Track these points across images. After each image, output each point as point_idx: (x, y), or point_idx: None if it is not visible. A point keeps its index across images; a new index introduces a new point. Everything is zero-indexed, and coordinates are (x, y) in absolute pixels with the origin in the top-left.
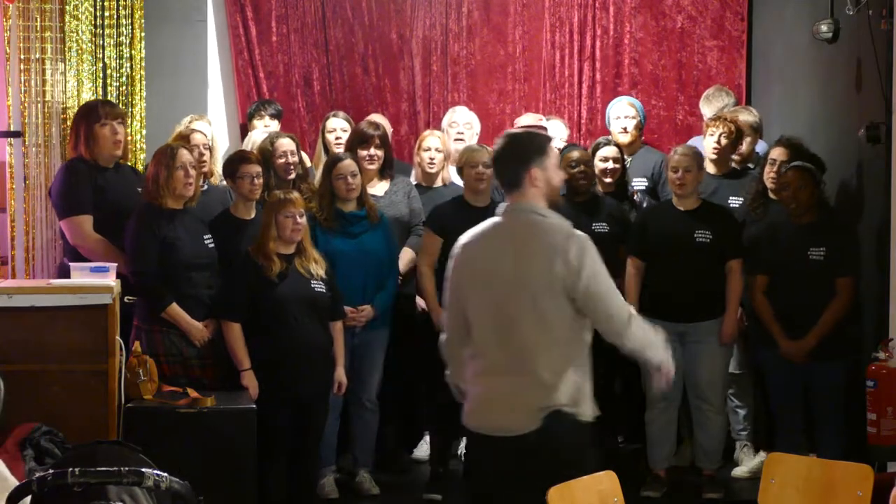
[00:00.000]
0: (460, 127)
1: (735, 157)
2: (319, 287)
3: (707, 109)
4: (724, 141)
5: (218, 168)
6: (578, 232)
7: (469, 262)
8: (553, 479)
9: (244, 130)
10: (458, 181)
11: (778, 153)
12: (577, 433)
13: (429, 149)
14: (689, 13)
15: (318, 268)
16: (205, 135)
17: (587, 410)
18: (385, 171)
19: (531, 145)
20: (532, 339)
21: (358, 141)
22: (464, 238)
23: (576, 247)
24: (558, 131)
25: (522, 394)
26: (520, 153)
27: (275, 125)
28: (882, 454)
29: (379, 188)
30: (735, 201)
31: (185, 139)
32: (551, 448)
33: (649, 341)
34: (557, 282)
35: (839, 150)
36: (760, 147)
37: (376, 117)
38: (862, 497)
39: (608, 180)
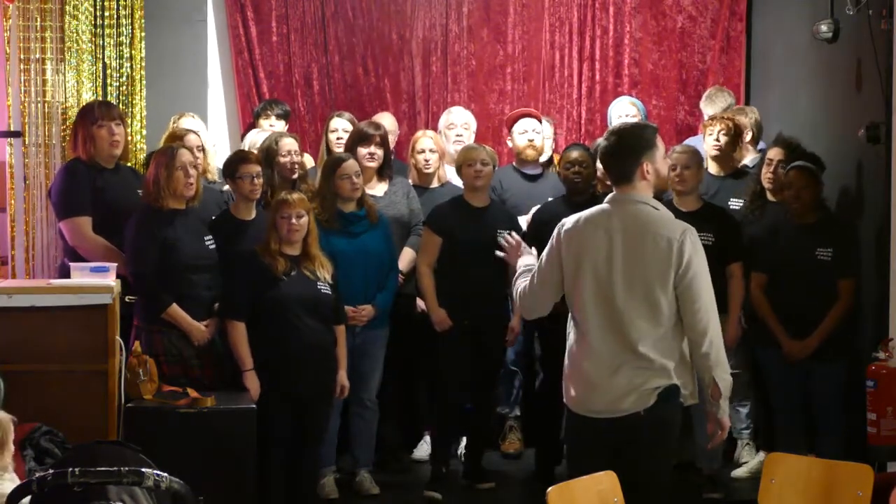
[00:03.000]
0: (458, 128)
1: (736, 156)
2: (325, 289)
3: (709, 109)
4: (723, 139)
5: (211, 166)
6: (689, 226)
7: (577, 247)
8: (653, 459)
9: (246, 130)
10: (456, 181)
11: (775, 153)
12: (677, 414)
13: (423, 150)
14: (689, 13)
15: (324, 271)
16: (198, 135)
17: (689, 396)
18: (384, 171)
19: (642, 140)
20: (642, 327)
21: (358, 140)
22: (568, 223)
23: (689, 240)
24: (545, 130)
25: (630, 377)
26: (631, 147)
27: (280, 126)
28: (882, 454)
29: (378, 189)
30: (735, 203)
31: (178, 140)
32: (658, 427)
33: (723, 360)
34: (668, 272)
35: (839, 150)
36: (760, 147)
37: (385, 116)
38: (862, 497)
39: (608, 182)
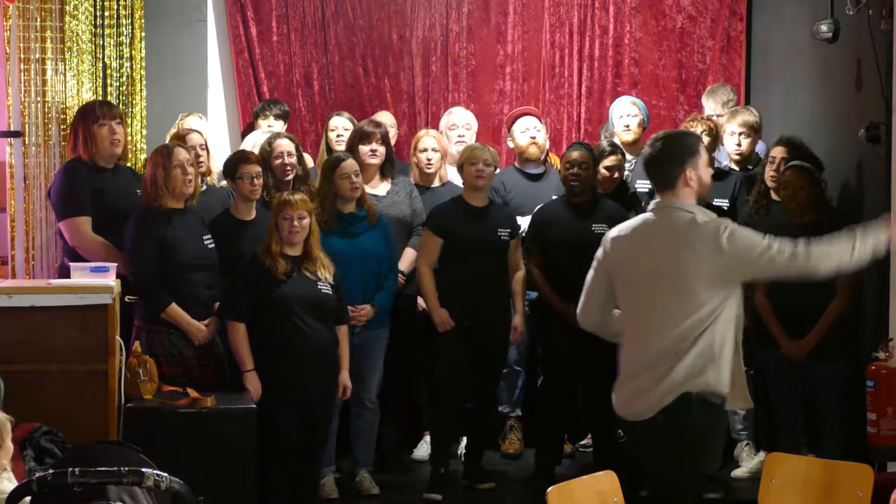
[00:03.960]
0: (460, 129)
1: (736, 156)
2: (326, 289)
3: (711, 103)
4: (707, 140)
5: (215, 167)
6: (725, 220)
7: (623, 257)
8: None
9: (247, 131)
10: (457, 180)
11: (778, 152)
12: (721, 417)
13: (425, 149)
14: (689, 13)
15: (325, 272)
16: (201, 134)
17: (730, 399)
18: (386, 170)
19: (686, 147)
20: (687, 332)
21: (359, 138)
22: (613, 232)
23: (725, 234)
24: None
25: (655, 382)
26: (675, 155)
27: (279, 125)
28: (882, 454)
29: (381, 188)
30: (720, 202)
31: (181, 139)
32: (676, 433)
33: (826, 254)
34: (716, 273)
35: (839, 150)
36: (760, 147)
37: (384, 115)
38: (862, 497)
39: (608, 186)
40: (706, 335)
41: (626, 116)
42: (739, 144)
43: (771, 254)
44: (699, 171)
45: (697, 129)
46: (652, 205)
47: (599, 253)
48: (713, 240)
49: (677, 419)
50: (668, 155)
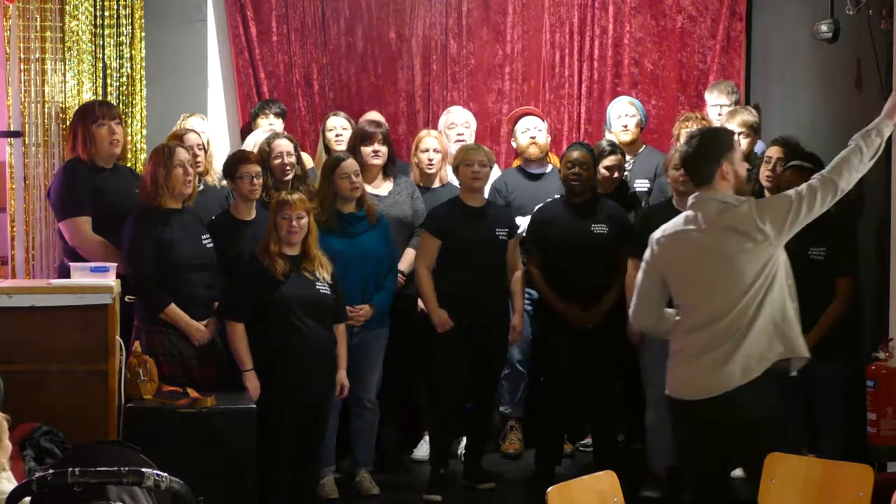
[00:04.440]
0: (459, 127)
1: None
2: (324, 289)
3: (714, 94)
4: None
5: (214, 167)
6: (752, 199)
7: (673, 256)
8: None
9: (245, 131)
10: (456, 181)
11: (774, 152)
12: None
13: (427, 149)
14: (689, 13)
15: (323, 271)
16: (199, 134)
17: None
18: (388, 169)
19: (722, 143)
20: (742, 311)
21: (360, 139)
22: (658, 233)
23: (757, 214)
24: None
25: (745, 356)
26: (711, 151)
27: (279, 124)
28: (882, 454)
29: (383, 188)
30: None
31: (179, 139)
32: (761, 404)
33: (845, 162)
34: (759, 249)
35: (839, 150)
36: (759, 147)
37: (373, 115)
38: (862, 497)
39: (608, 186)
40: (765, 307)
41: (623, 117)
42: (739, 144)
43: (803, 203)
44: (735, 166)
45: (692, 127)
46: (691, 199)
47: (647, 255)
48: (749, 221)
49: (753, 393)
50: (705, 151)
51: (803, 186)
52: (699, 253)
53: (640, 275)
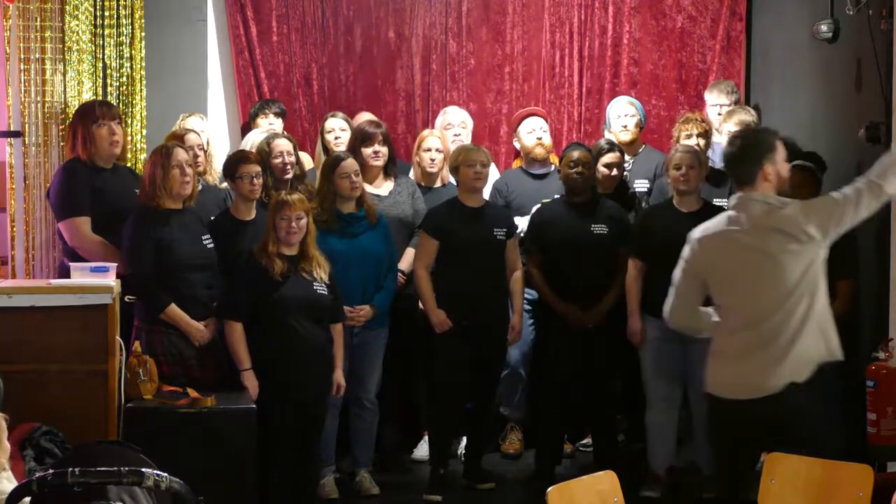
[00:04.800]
0: (456, 128)
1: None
2: (322, 289)
3: (714, 93)
4: (701, 142)
5: (214, 167)
6: (796, 202)
7: (713, 255)
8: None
9: (244, 130)
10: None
11: None
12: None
13: (429, 149)
14: (689, 13)
15: (321, 271)
16: (199, 134)
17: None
18: (389, 168)
19: (764, 144)
20: (785, 312)
21: (360, 140)
22: (698, 232)
23: (802, 216)
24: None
25: (780, 359)
26: (754, 151)
27: (279, 124)
28: (882, 454)
29: (384, 188)
30: (718, 203)
31: (178, 139)
32: (800, 408)
33: (892, 167)
34: (805, 254)
35: (839, 150)
36: None
37: (365, 116)
38: (862, 497)
39: (608, 185)
40: (814, 308)
41: (623, 117)
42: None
43: (849, 206)
44: (777, 166)
45: (693, 130)
46: (734, 199)
47: (687, 254)
48: (794, 222)
49: (802, 394)
50: (747, 152)
51: (849, 189)
52: (743, 253)
53: (677, 273)
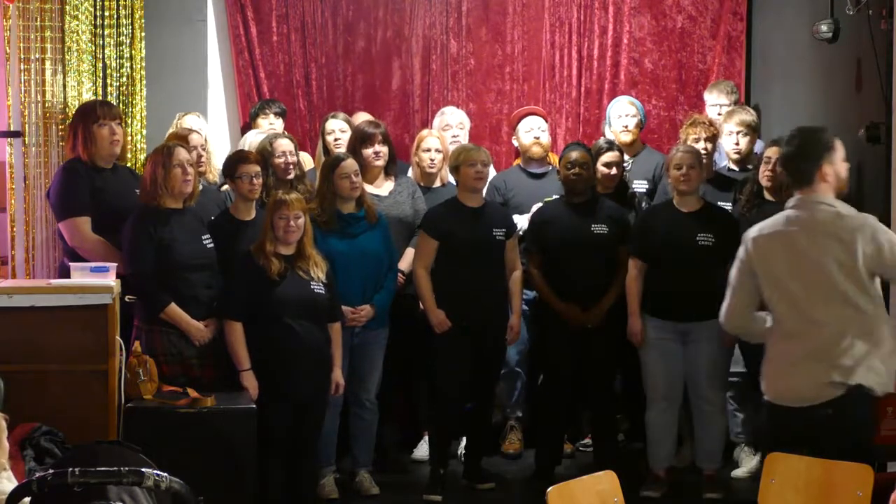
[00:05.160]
0: (454, 129)
1: (735, 155)
2: (319, 289)
3: (713, 96)
4: (708, 146)
5: (213, 166)
6: (869, 217)
7: (769, 255)
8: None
9: (245, 130)
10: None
11: (773, 152)
12: (872, 406)
13: (429, 149)
14: (689, 13)
15: (318, 270)
16: (201, 134)
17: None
18: (390, 168)
19: (821, 143)
20: (841, 320)
21: (360, 140)
22: (754, 231)
23: (870, 230)
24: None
25: (834, 368)
26: (812, 151)
27: (279, 124)
28: (882, 454)
29: (384, 188)
30: (723, 206)
31: (181, 139)
32: (853, 419)
33: None
34: (861, 265)
35: None
36: (758, 147)
37: (362, 116)
38: (862, 497)
39: (608, 184)
40: (866, 324)
41: (624, 117)
42: (738, 143)
43: None
44: (836, 167)
45: (700, 133)
46: (792, 201)
47: (742, 253)
48: (859, 234)
49: (848, 409)
50: (804, 151)
51: None
52: (798, 256)
53: (733, 272)
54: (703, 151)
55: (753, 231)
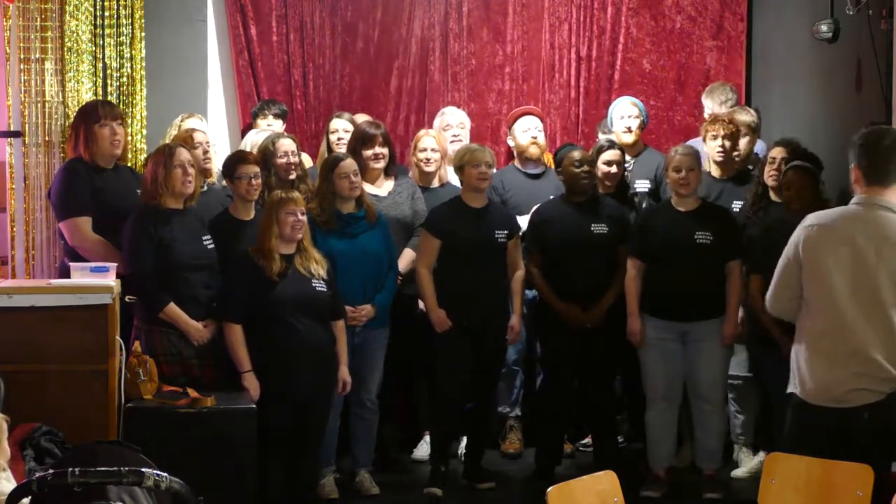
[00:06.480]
0: (455, 129)
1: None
2: (320, 287)
3: (710, 102)
4: (727, 144)
5: (215, 167)
6: None
7: (818, 247)
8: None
9: (245, 131)
10: (456, 181)
11: (777, 152)
12: None
13: (424, 149)
14: (688, 13)
15: (318, 267)
16: (204, 133)
17: None
18: (389, 168)
19: None
20: (877, 332)
21: (360, 141)
22: (810, 219)
23: None
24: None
25: (871, 370)
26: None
27: (278, 125)
28: None
29: (383, 188)
30: (738, 205)
31: (186, 139)
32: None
33: None
34: None
35: (839, 150)
36: (759, 148)
37: (362, 118)
38: (862, 497)
39: (609, 183)
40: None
41: (626, 118)
42: (723, 146)
43: None
44: None
45: (719, 131)
46: (856, 199)
47: (793, 238)
48: None
49: (884, 415)
50: (882, 151)
51: None
52: (850, 255)
53: (782, 259)
54: (719, 149)
55: (810, 219)
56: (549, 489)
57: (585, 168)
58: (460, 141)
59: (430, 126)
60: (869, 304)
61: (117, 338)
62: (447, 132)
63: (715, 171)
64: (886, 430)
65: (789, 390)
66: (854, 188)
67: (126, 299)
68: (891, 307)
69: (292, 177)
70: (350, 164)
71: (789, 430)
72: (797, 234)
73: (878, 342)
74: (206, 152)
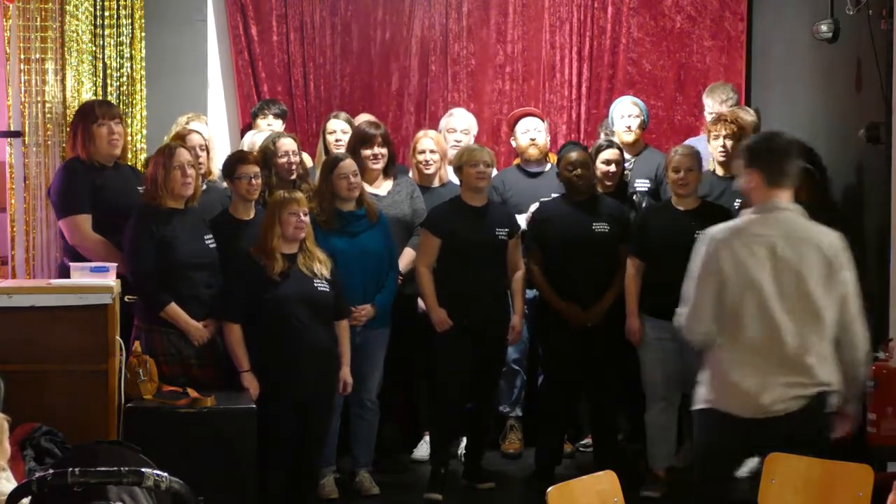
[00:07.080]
0: (458, 133)
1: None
2: (322, 286)
3: (710, 101)
4: (729, 143)
5: (216, 167)
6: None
7: (746, 252)
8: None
9: (244, 130)
10: (457, 181)
11: None
12: (828, 419)
13: (423, 150)
14: (688, 13)
15: (321, 267)
16: (201, 135)
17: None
18: (389, 168)
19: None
20: (810, 328)
21: (360, 141)
22: (718, 231)
23: (848, 257)
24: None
25: (800, 376)
26: (796, 153)
27: (278, 125)
28: (882, 454)
29: (383, 188)
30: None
31: (181, 139)
32: (816, 426)
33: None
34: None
35: (839, 150)
36: None
37: (364, 118)
38: (862, 497)
39: (608, 183)
40: (830, 335)
41: (627, 117)
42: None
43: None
44: None
45: (721, 131)
46: (761, 205)
47: (705, 256)
48: (844, 255)
49: (814, 418)
50: (791, 151)
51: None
52: (771, 259)
53: (693, 280)
54: (720, 149)
55: (717, 231)
56: (549, 489)
57: (578, 171)
58: (460, 146)
59: (435, 126)
60: (798, 305)
61: (117, 338)
62: (450, 135)
63: (719, 170)
64: (816, 430)
65: (699, 406)
66: (748, 192)
67: (126, 299)
68: (823, 306)
69: (293, 176)
70: (349, 164)
71: (707, 448)
72: (709, 249)
73: (808, 346)
74: (198, 156)
